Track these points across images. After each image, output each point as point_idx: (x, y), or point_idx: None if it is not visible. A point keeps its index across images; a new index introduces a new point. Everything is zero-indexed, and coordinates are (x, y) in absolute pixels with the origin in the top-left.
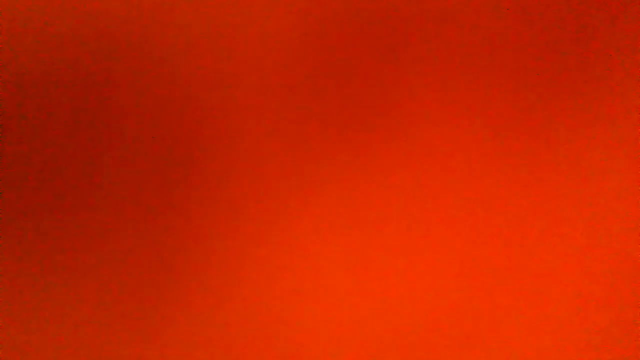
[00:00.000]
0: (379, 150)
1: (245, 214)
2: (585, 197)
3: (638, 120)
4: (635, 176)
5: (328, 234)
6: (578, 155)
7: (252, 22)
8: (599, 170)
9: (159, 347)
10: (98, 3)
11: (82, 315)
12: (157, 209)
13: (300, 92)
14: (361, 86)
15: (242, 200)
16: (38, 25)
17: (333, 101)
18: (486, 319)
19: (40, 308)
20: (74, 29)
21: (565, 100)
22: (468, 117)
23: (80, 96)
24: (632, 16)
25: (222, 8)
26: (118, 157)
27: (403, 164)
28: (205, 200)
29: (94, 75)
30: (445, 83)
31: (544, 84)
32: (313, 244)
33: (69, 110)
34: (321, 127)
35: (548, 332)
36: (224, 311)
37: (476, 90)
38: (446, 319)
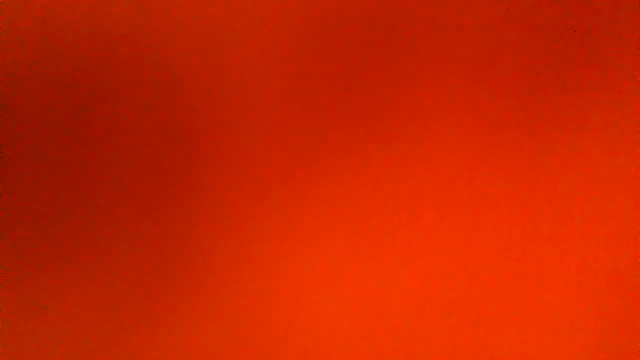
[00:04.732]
0: (379, 151)
1: (245, 214)
2: (585, 197)
3: (638, 120)
4: (636, 176)
5: (328, 235)
6: (578, 156)
7: (252, 23)
8: (599, 171)
9: (158, 347)
10: (98, 3)
11: (81, 316)
12: (156, 209)
13: (300, 93)
14: (361, 87)
15: (242, 201)
16: (38, 25)
17: (333, 101)
18: (486, 319)
19: (40, 308)
20: (73, 29)
21: (565, 100)
22: (468, 117)
23: (81, 96)
24: (632, 16)
25: (222, 8)
26: (117, 158)
27: (403, 164)
28: (205, 200)
29: (94, 76)
30: (445, 83)
31: (544, 84)
32: (313, 244)
33: (69, 111)
34: (321, 127)
35: (548, 332)
36: (223, 311)
37: (476, 90)
38: (446, 319)
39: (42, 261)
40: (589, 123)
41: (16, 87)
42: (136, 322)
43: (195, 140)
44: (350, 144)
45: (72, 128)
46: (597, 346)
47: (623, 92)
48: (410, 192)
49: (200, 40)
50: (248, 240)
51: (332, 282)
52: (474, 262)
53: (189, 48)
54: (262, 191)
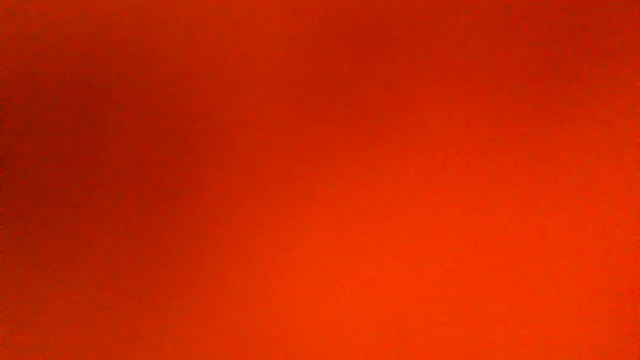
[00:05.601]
0: (380, 151)
1: (245, 214)
2: (586, 196)
3: (638, 120)
4: (636, 176)
5: (328, 234)
6: (578, 155)
7: (252, 23)
8: (599, 170)
9: (157, 347)
10: (98, 3)
11: (80, 316)
12: (155, 209)
13: (300, 92)
14: (361, 86)
15: (242, 200)
16: (38, 26)
17: (333, 101)
18: (486, 319)
19: (40, 308)
20: (73, 29)
21: (565, 100)
22: (468, 118)
23: (81, 97)
24: (632, 16)
25: (222, 8)
26: (117, 158)
27: (403, 163)
28: (205, 200)
29: (93, 76)
30: (445, 83)
31: (544, 83)
32: (313, 244)
33: (69, 111)
34: (321, 126)
35: (548, 332)
36: (222, 311)
37: (476, 90)
38: (446, 319)
39: (41, 261)
40: (589, 122)
41: (16, 87)
42: (135, 321)
43: (195, 140)
44: (351, 144)
45: (72, 128)
46: (597, 346)
47: (623, 90)
48: (411, 190)
49: (200, 42)
50: (247, 240)
51: (332, 282)
52: (475, 260)
53: (189, 48)
54: (262, 191)
